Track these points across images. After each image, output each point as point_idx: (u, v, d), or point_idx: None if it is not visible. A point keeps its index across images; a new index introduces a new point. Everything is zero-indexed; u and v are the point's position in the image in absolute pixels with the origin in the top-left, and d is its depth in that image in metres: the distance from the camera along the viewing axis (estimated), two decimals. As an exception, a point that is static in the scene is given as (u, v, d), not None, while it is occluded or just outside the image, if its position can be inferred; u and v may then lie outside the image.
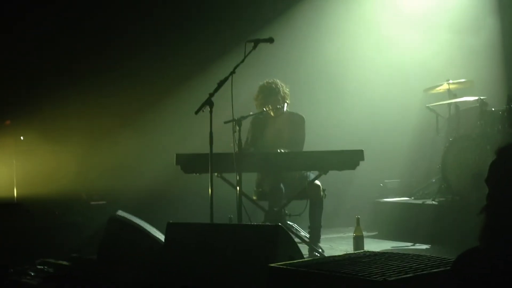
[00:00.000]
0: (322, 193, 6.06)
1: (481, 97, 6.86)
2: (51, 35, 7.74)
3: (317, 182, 6.02)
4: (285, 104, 6.30)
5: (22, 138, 7.37)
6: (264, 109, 6.24)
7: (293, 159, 5.86)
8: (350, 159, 5.66)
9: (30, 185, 7.02)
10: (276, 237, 4.10)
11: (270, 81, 6.32)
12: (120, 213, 5.24)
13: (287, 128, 6.35)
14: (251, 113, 5.93)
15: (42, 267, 5.35)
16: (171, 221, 4.61)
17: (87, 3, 7.91)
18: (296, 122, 6.39)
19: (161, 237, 4.93)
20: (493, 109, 6.84)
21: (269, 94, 6.26)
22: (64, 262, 5.43)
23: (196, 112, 5.00)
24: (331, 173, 5.83)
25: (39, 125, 7.49)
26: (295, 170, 6.08)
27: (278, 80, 6.34)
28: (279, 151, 5.99)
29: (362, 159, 5.63)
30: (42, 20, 7.68)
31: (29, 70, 7.70)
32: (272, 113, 6.29)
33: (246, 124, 5.67)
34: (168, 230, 4.59)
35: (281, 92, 6.28)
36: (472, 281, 2.20)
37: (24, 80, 7.71)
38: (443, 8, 8.43)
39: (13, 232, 6.04)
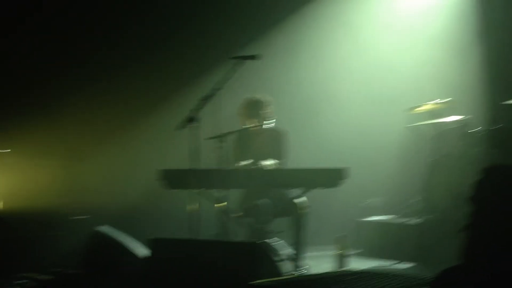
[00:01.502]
0: (305, 210, 6.07)
1: (464, 117, 6.91)
2: (37, 48, 7.73)
3: (300, 199, 6.03)
4: (269, 121, 6.32)
5: (8, 150, 7.34)
6: (247, 123, 6.26)
7: (276, 176, 5.87)
8: (334, 177, 5.67)
9: (12, 198, 6.98)
10: (259, 254, 4.11)
11: (256, 96, 6.35)
12: (102, 227, 5.22)
13: (269, 143, 6.37)
14: (234, 129, 5.93)
15: (24, 281, 5.31)
16: (154, 237, 4.60)
17: (72, 20, 7.89)
18: (276, 136, 6.42)
19: (144, 252, 4.92)
20: (475, 129, 6.89)
21: (254, 108, 6.29)
22: (46, 276, 5.39)
23: (179, 128, 5.00)
24: (315, 191, 5.84)
25: (23, 139, 7.45)
26: (278, 187, 6.08)
27: (264, 96, 6.36)
28: (262, 163, 6.00)
29: (346, 177, 5.64)
30: (30, 33, 7.67)
31: (15, 83, 7.67)
32: (254, 128, 6.30)
33: (229, 140, 5.67)
34: (151, 245, 4.58)
35: (266, 108, 6.31)
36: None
37: (9, 93, 7.67)
38: (429, 28, 8.49)
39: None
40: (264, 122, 6.28)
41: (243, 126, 6.32)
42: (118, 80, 7.87)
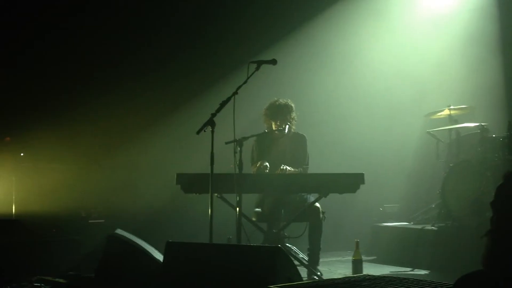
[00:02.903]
0: (321, 215, 6.05)
1: (482, 123, 6.87)
2: (52, 53, 7.77)
3: (316, 204, 6.01)
4: (290, 127, 6.33)
5: (22, 154, 7.37)
6: (272, 125, 6.26)
7: (293, 181, 5.86)
8: (351, 182, 5.65)
9: (29, 202, 7.01)
10: (275, 259, 4.09)
11: (283, 100, 6.36)
12: (119, 231, 5.23)
13: (289, 148, 6.37)
14: (252, 134, 5.91)
15: (39, 284, 5.32)
16: (170, 241, 4.59)
17: (87, 24, 7.93)
18: (298, 141, 6.42)
19: (160, 256, 4.92)
20: (493, 135, 6.84)
21: (280, 110, 6.29)
22: (61, 280, 5.40)
23: (198, 132, 5.00)
24: (331, 196, 5.82)
25: (39, 143, 7.48)
26: (295, 192, 6.06)
27: (291, 102, 6.37)
28: (282, 167, 5.99)
29: (363, 182, 5.61)
30: (46, 43, 7.72)
31: (29, 87, 7.71)
32: (276, 132, 6.30)
33: (247, 145, 5.66)
34: (167, 249, 4.57)
35: (291, 114, 6.32)
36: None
37: (24, 97, 7.72)
38: (449, 35, 8.46)
39: (11, 248, 6.01)
40: (288, 127, 6.28)
41: (266, 129, 6.32)
42: (137, 84, 7.90)
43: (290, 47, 8.41)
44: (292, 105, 6.37)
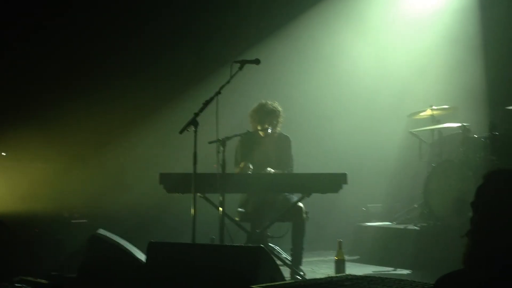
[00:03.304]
0: (304, 215, 6.06)
1: (464, 124, 6.92)
2: (35, 52, 7.72)
3: (300, 204, 6.02)
4: (277, 129, 6.34)
5: (4, 154, 7.32)
6: (259, 127, 6.26)
7: (276, 181, 5.86)
8: (334, 182, 5.66)
9: (11, 202, 6.96)
10: (258, 259, 4.09)
11: (271, 103, 6.35)
12: (101, 231, 5.20)
13: (274, 149, 6.37)
14: (236, 133, 5.91)
15: (20, 285, 5.28)
16: (152, 241, 4.58)
17: (74, 26, 7.88)
18: (283, 143, 6.43)
19: (142, 256, 4.90)
20: (475, 135, 6.89)
21: (268, 114, 6.29)
22: (43, 281, 5.37)
23: (181, 132, 4.99)
24: (314, 196, 5.83)
25: (22, 142, 7.43)
26: (278, 192, 6.07)
27: (278, 106, 6.37)
28: (268, 170, 6.01)
29: (346, 182, 5.63)
30: (28, 39, 7.67)
31: (12, 86, 7.65)
32: (262, 134, 6.30)
33: (230, 144, 5.65)
34: (149, 249, 4.56)
35: (278, 117, 6.32)
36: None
37: (6, 96, 7.66)
38: (432, 35, 8.51)
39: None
40: (272, 129, 6.28)
41: (252, 129, 6.32)
42: (119, 84, 7.85)
43: (273, 47, 8.41)
44: (280, 109, 6.37)
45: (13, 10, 7.67)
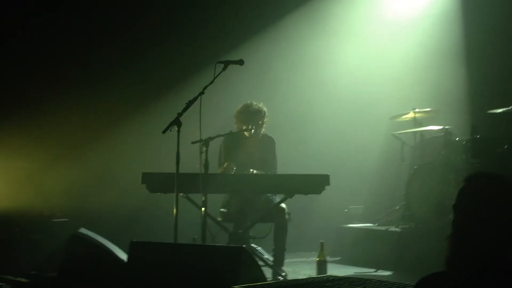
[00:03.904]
0: (287, 216, 6.07)
1: (446, 127, 6.97)
2: (16, 50, 7.66)
3: (282, 205, 6.03)
4: (261, 130, 6.35)
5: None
6: (243, 127, 6.25)
7: (259, 181, 5.87)
8: (316, 183, 5.68)
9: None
10: (239, 259, 4.09)
11: (257, 104, 6.35)
12: (82, 230, 5.18)
13: (258, 150, 6.38)
14: (219, 134, 5.90)
15: (1, 284, 5.25)
16: (134, 240, 4.57)
17: (52, 22, 7.83)
18: (267, 143, 6.43)
19: (124, 256, 4.88)
20: (457, 139, 6.94)
21: (253, 115, 6.28)
22: (23, 279, 5.33)
23: (164, 131, 4.98)
24: (296, 197, 5.84)
25: (2, 140, 7.38)
26: (261, 192, 6.07)
27: (264, 106, 6.37)
28: (251, 171, 6.01)
29: (328, 184, 5.65)
30: (7, 35, 7.62)
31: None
32: (247, 134, 6.30)
33: (213, 145, 5.65)
34: (131, 248, 4.55)
35: (263, 118, 6.33)
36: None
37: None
38: (415, 37, 8.55)
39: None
40: (259, 130, 6.29)
41: (236, 130, 6.31)
42: (101, 84, 7.82)
43: (257, 47, 8.40)
44: (265, 109, 6.37)
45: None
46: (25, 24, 7.71)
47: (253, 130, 6.26)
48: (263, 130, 6.40)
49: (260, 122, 6.33)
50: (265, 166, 6.25)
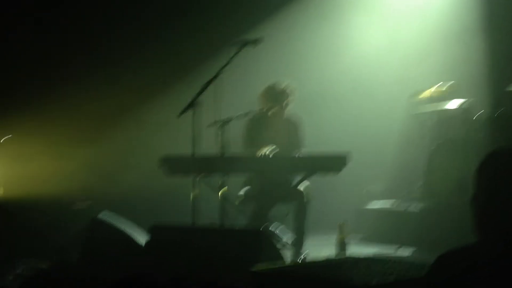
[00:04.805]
0: (305, 199, 6.02)
1: (466, 103, 6.87)
2: (36, 41, 7.70)
3: (303, 185, 5.99)
4: (286, 110, 6.27)
5: (10, 136, 7.33)
6: (266, 108, 6.19)
7: (278, 162, 5.83)
8: (334, 163, 5.63)
9: (13, 186, 6.96)
10: (259, 242, 4.10)
11: (281, 83, 6.27)
12: (103, 214, 5.21)
13: (283, 133, 6.30)
14: (235, 115, 5.84)
15: (24, 268, 5.30)
16: (155, 223, 4.58)
17: (68, 15, 7.85)
18: (292, 126, 6.35)
19: (145, 238, 4.90)
20: (478, 114, 6.85)
21: (278, 97, 6.21)
22: (47, 264, 5.38)
23: (180, 115, 4.97)
24: (315, 177, 5.80)
25: (25, 126, 7.42)
26: (278, 173, 6.01)
27: (289, 84, 6.29)
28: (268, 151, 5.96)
29: (346, 162, 5.60)
30: (28, 29, 7.66)
31: (16, 72, 7.64)
32: (271, 115, 6.23)
33: (231, 127, 5.62)
34: (151, 231, 4.57)
35: (290, 97, 6.25)
36: (455, 277, 2.21)
37: (11, 81, 7.65)
38: (433, 13, 8.42)
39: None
40: (284, 111, 6.22)
41: (261, 110, 6.24)
42: (119, 66, 7.82)
43: (274, 26, 8.32)
44: (290, 89, 6.26)
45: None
46: (35, 19, 7.73)
47: (283, 110, 6.18)
48: (288, 110, 6.31)
49: (285, 103, 6.25)
50: (289, 149, 6.17)
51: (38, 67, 7.69)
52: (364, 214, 7.85)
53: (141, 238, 5.01)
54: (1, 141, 7.28)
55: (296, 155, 6.00)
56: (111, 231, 5.00)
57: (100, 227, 5.05)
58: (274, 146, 6.01)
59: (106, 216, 5.19)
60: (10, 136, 7.32)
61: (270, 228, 5.99)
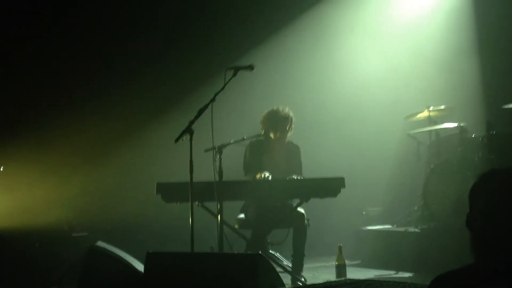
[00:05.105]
0: (306, 221, 6.01)
1: (461, 124, 6.90)
2: (31, 67, 7.71)
3: (301, 210, 5.99)
4: (287, 135, 6.31)
5: (1, 168, 7.31)
6: (271, 134, 6.23)
7: (275, 187, 5.82)
8: (331, 186, 5.63)
9: (10, 216, 6.93)
10: (258, 266, 4.07)
11: (284, 109, 6.31)
12: (100, 243, 5.18)
13: (283, 157, 6.34)
14: (231, 141, 5.85)
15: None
16: (151, 251, 4.55)
17: (62, 35, 7.88)
18: (292, 151, 6.39)
19: (142, 267, 4.87)
20: (473, 135, 6.88)
21: (281, 122, 6.25)
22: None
23: (176, 140, 4.96)
24: (313, 201, 5.80)
25: (19, 157, 7.41)
26: (277, 198, 6.02)
27: (290, 110, 6.33)
28: (265, 175, 5.95)
29: (343, 186, 5.60)
30: (21, 49, 7.67)
31: (8, 102, 7.65)
32: (273, 137, 6.27)
33: (227, 152, 5.62)
34: (148, 259, 4.53)
35: (291, 124, 6.29)
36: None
37: (2, 112, 7.66)
38: (427, 35, 8.49)
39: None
40: (286, 136, 6.26)
41: (262, 133, 6.27)
42: (112, 96, 7.85)
43: (267, 53, 8.38)
44: (292, 115, 6.33)
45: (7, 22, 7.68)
46: (37, 41, 7.75)
47: (284, 136, 6.24)
48: (289, 135, 6.36)
49: (286, 128, 6.29)
50: (290, 173, 6.17)
51: (28, 100, 7.70)
52: (363, 236, 7.83)
53: (139, 266, 4.98)
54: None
55: (294, 178, 6.00)
56: (109, 259, 4.96)
57: (97, 255, 5.01)
58: (273, 170, 6.03)
59: (103, 244, 5.16)
60: (1, 168, 7.30)
61: (269, 252, 5.98)
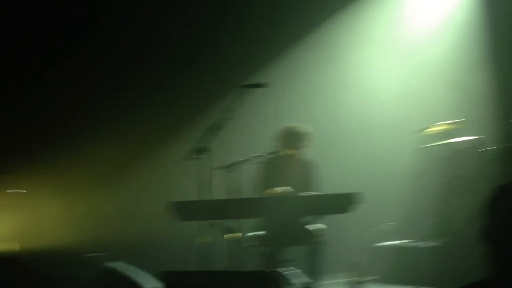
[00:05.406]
0: (322, 238, 5.98)
1: (475, 137, 6.87)
2: (46, 91, 7.78)
3: (318, 226, 5.96)
4: (303, 152, 6.29)
5: (24, 191, 7.38)
6: (286, 151, 6.21)
7: (288, 204, 5.80)
8: (346, 202, 5.59)
9: (28, 239, 6.98)
10: (273, 284, 4.05)
11: (300, 126, 6.30)
12: (114, 263, 5.19)
13: (300, 174, 6.32)
14: (247, 157, 5.82)
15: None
16: (166, 270, 4.55)
17: (71, 56, 7.94)
18: (309, 167, 6.37)
19: (156, 285, 4.87)
20: (486, 148, 6.84)
21: (297, 140, 6.25)
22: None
23: (185, 159, 4.97)
24: (327, 217, 5.77)
25: (36, 179, 7.47)
26: (290, 215, 5.98)
27: (306, 128, 6.31)
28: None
29: (355, 202, 5.57)
30: (36, 75, 7.75)
31: (27, 126, 7.72)
32: (287, 157, 6.23)
33: (241, 170, 5.62)
34: (162, 278, 4.53)
35: (307, 141, 6.28)
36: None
37: (23, 136, 7.72)
38: (439, 47, 8.48)
39: (8, 285, 5.97)
40: (302, 153, 6.25)
41: (276, 150, 6.25)
42: (125, 113, 7.89)
43: (282, 68, 8.40)
44: (309, 132, 6.32)
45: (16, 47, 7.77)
46: (49, 65, 7.82)
47: (299, 153, 6.22)
48: (304, 153, 6.34)
49: (301, 146, 6.28)
50: (304, 191, 6.15)
51: (46, 123, 7.76)
52: (377, 252, 7.77)
53: (151, 286, 4.97)
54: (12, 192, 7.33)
55: (303, 195, 5.98)
56: (121, 279, 4.97)
57: (110, 275, 5.03)
58: (288, 187, 6.01)
59: (115, 264, 5.17)
60: (24, 191, 7.37)
61: (282, 271, 5.94)
